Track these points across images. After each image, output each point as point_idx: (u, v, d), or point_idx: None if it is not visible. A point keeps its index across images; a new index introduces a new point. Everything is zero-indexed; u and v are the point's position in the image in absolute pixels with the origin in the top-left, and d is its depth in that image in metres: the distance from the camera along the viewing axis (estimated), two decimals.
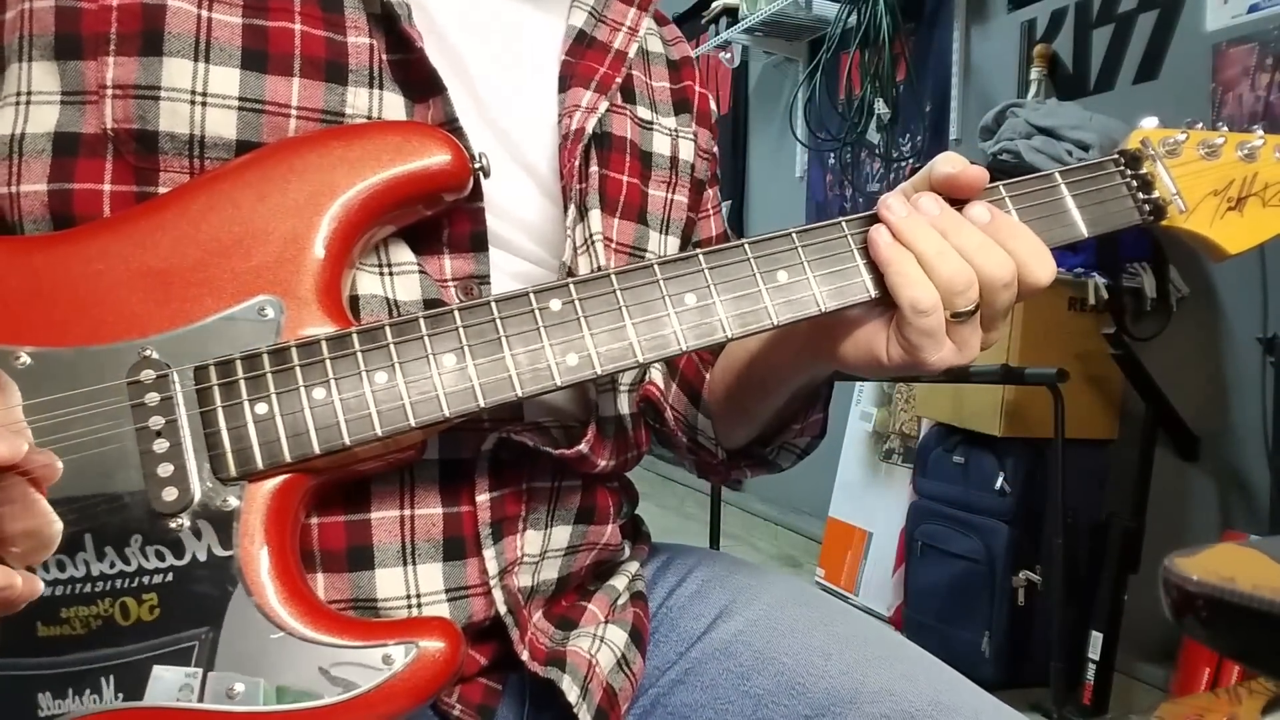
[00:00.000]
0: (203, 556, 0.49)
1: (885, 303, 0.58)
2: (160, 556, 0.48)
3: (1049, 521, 2.13)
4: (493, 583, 0.59)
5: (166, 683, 0.48)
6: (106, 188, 0.55)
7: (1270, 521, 1.88)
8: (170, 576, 0.49)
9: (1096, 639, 2.02)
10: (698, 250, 0.57)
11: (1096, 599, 2.05)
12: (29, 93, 0.55)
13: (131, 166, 0.55)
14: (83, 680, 0.47)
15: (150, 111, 0.54)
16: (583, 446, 0.62)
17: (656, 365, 0.78)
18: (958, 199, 0.59)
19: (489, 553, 0.59)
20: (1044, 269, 0.58)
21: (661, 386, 0.77)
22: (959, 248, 0.57)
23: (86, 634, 0.48)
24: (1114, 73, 2.27)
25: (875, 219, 0.59)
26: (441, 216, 0.59)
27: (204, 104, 0.55)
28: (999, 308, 0.58)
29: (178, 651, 0.48)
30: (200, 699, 0.47)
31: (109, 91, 0.54)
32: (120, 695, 0.47)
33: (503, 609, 0.60)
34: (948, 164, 0.59)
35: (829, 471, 3.13)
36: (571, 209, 0.63)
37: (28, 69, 0.56)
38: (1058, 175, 0.62)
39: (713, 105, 0.82)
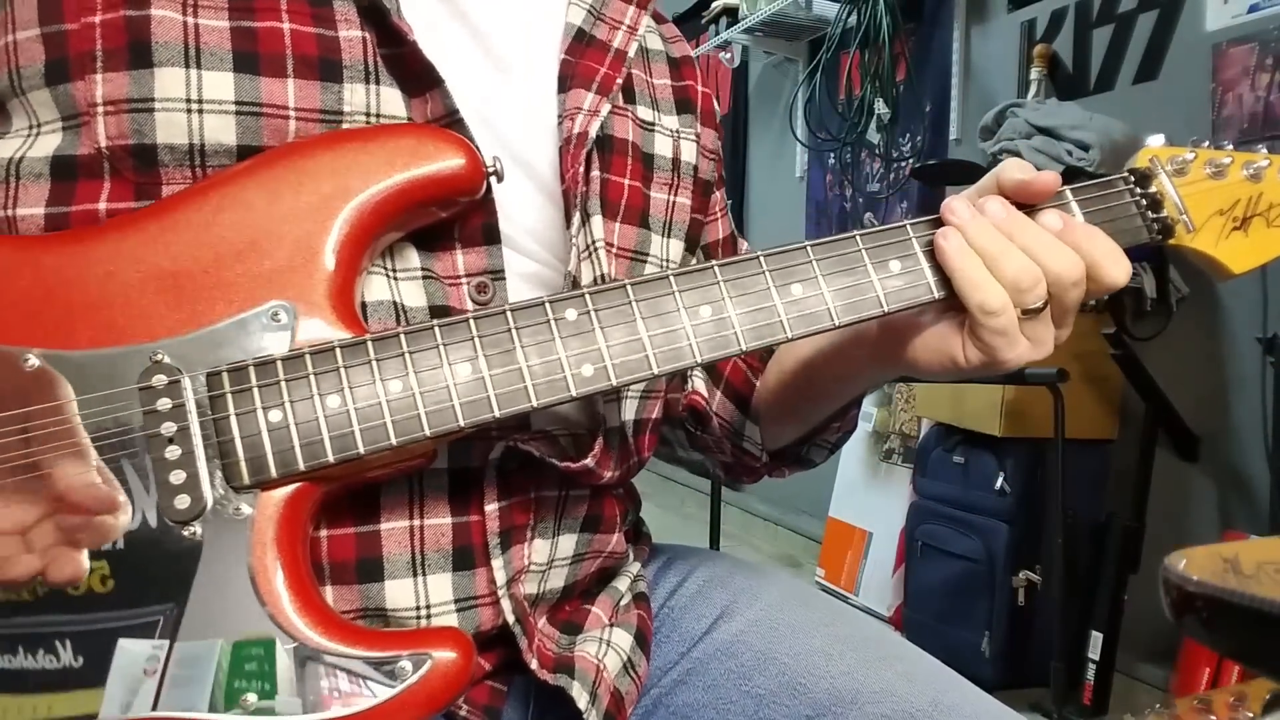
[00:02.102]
0: (154, 521, 0.48)
1: (953, 305, 0.59)
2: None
3: (1049, 521, 2.13)
4: (501, 592, 0.59)
5: (132, 655, 0.47)
6: (103, 206, 0.54)
7: (1270, 521, 1.89)
8: (120, 543, 0.48)
9: (1096, 639, 2.03)
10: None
11: (1096, 599, 2.06)
12: (39, 125, 0.55)
13: (132, 184, 0.54)
14: (35, 641, 0.47)
15: (146, 124, 0.53)
16: (589, 461, 0.61)
17: (699, 374, 0.78)
18: (1026, 205, 0.60)
19: (497, 562, 0.59)
20: (1119, 270, 0.59)
21: (705, 394, 0.77)
22: (1025, 248, 0.58)
23: (34, 601, 0.47)
24: (1114, 73, 2.27)
25: (940, 222, 0.60)
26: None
27: (200, 111, 0.54)
28: (1069, 304, 0.59)
29: (143, 625, 0.47)
30: (213, 709, 0.47)
31: (100, 109, 0.53)
32: (80, 659, 0.47)
33: (510, 618, 0.59)
34: (1018, 170, 0.60)
35: (829, 471, 3.13)
36: (576, 215, 0.63)
37: (27, 102, 0.55)
38: (1069, 192, 0.62)
39: (715, 105, 0.81)
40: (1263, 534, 1.93)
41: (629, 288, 0.55)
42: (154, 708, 0.47)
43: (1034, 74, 2.38)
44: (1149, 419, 2.04)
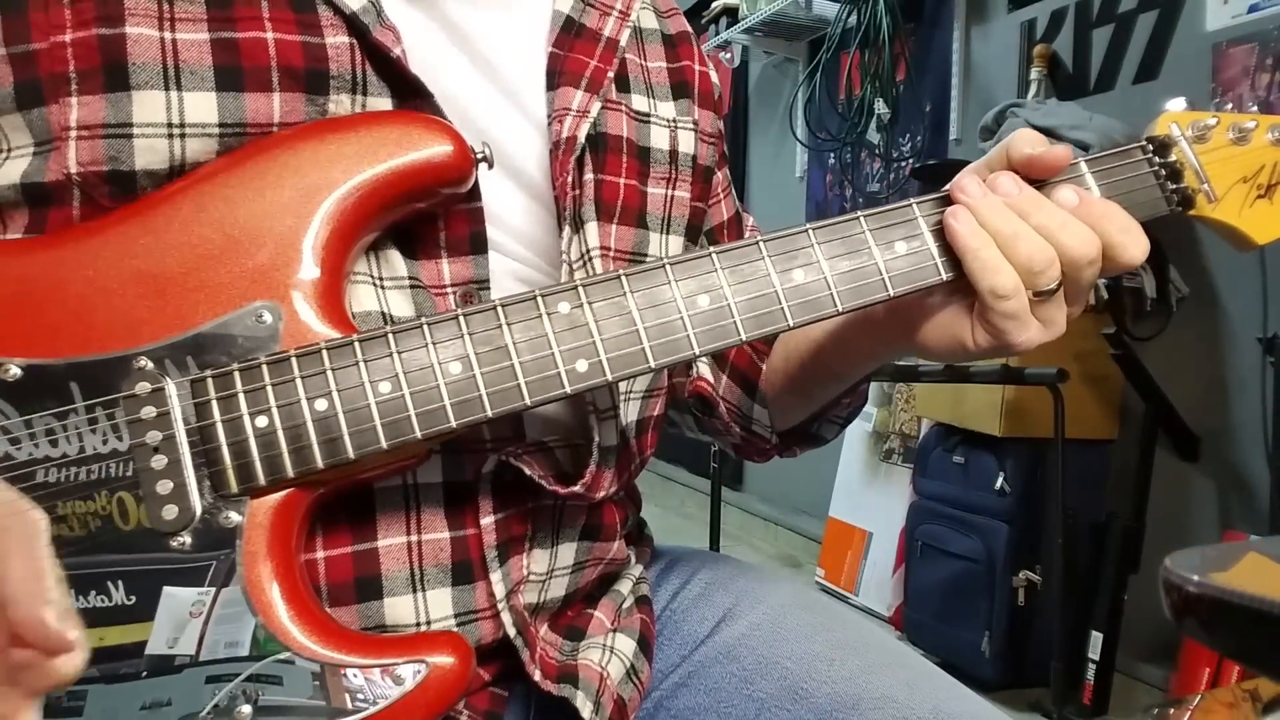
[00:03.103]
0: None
1: (962, 287, 0.57)
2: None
3: (1049, 521, 2.13)
4: (501, 606, 0.58)
5: (179, 600, 0.47)
6: None
7: (1270, 521, 1.88)
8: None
9: (1096, 639, 2.02)
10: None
11: (1096, 599, 2.05)
12: (8, 149, 0.53)
13: (106, 210, 0.51)
14: (89, 582, 0.47)
15: (124, 151, 0.51)
16: (578, 488, 0.59)
17: (704, 359, 0.76)
18: (1036, 180, 0.58)
19: (495, 575, 0.58)
20: (1136, 247, 0.56)
21: (711, 380, 0.76)
22: (1039, 227, 0.55)
23: (86, 536, 0.47)
24: (1114, 73, 2.27)
25: (947, 200, 0.57)
26: (439, 219, 0.57)
27: (183, 136, 0.51)
28: (1083, 284, 0.57)
29: (191, 571, 0.48)
30: (252, 652, 0.47)
31: (73, 133, 0.50)
32: (133, 598, 0.47)
33: (511, 631, 0.58)
34: (1027, 144, 0.57)
35: (829, 471, 3.13)
36: (566, 229, 0.61)
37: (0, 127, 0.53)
38: (1083, 164, 0.60)
39: (715, 80, 0.78)
40: (1262, 534, 1.93)
41: (624, 279, 0.53)
42: (199, 647, 0.47)
43: (1034, 74, 2.37)
44: (1149, 419, 2.03)
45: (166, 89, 0.51)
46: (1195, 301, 2.03)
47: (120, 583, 0.47)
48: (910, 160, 2.94)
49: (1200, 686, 1.84)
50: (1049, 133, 2.12)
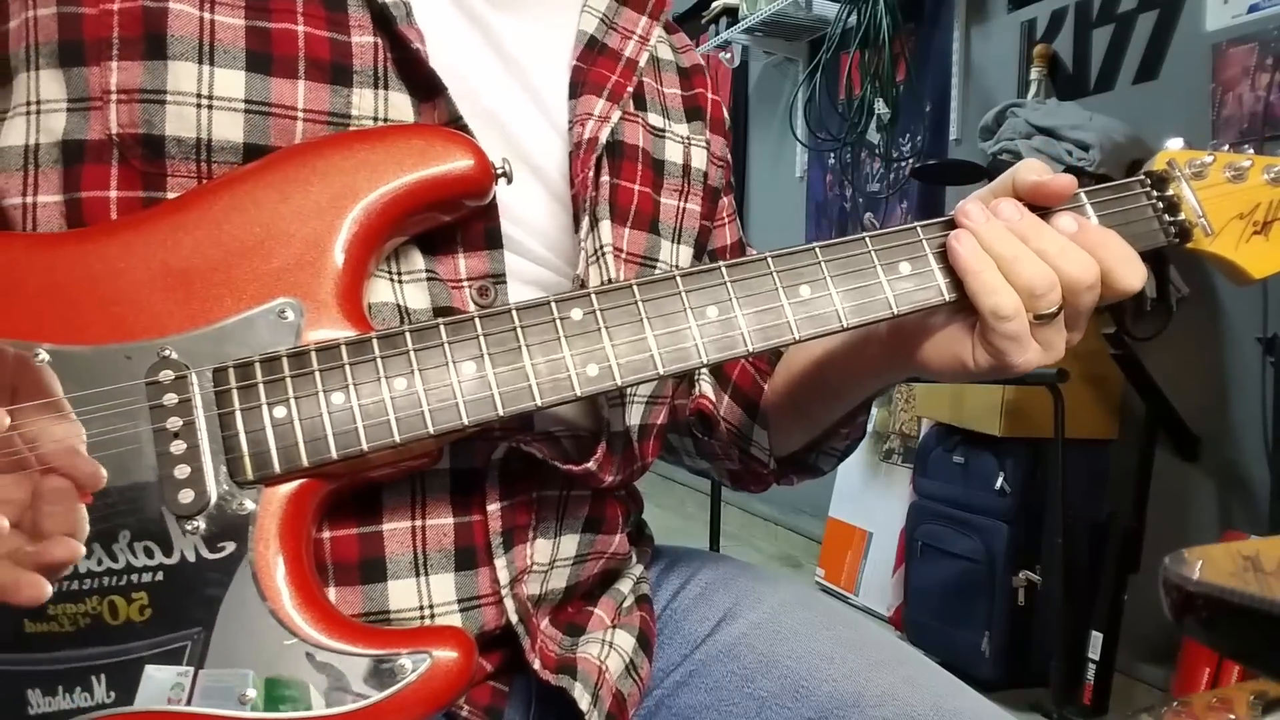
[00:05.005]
0: (192, 557, 0.49)
1: (965, 307, 0.59)
2: (149, 554, 0.49)
3: (1049, 521, 2.14)
4: (504, 592, 0.59)
5: (158, 683, 0.47)
6: (113, 194, 0.54)
7: (1270, 521, 1.89)
8: (160, 575, 0.49)
9: (1096, 639, 2.03)
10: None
11: (1096, 599, 2.06)
12: (38, 102, 0.55)
13: (139, 172, 0.54)
14: (73, 678, 0.47)
15: (156, 115, 0.54)
16: (591, 465, 0.61)
17: (706, 378, 0.78)
18: (1039, 207, 0.60)
19: (500, 562, 0.59)
20: (1134, 274, 0.59)
21: (713, 398, 0.77)
22: (1040, 251, 0.57)
23: (75, 632, 0.48)
24: (1114, 73, 2.27)
25: (951, 224, 0.59)
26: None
27: (210, 107, 0.54)
28: (1082, 309, 0.59)
29: (170, 651, 0.48)
30: (210, 703, 0.47)
31: (113, 96, 0.54)
32: (112, 694, 0.47)
33: (514, 618, 0.60)
34: (1032, 171, 0.60)
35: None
36: (585, 220, 0.63)
37: (35, 77, 0.55)
38: (1083, 195, 0.62)
39: (725, 113, 0.81)
40: (1263, 534, 1.93)
41: (635, 288, 0.55)
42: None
43: (1034, 74, 2.38)
44: (1149, 419, 2.04)
45: (200, 62, 0.55)
46: (1195, 301, 2.04)
47: (103, 676, 0.47)
48: (910, 160, 2.95)
49: (1200, 686, 1.85)
50: (1049, 133, 2.12)
